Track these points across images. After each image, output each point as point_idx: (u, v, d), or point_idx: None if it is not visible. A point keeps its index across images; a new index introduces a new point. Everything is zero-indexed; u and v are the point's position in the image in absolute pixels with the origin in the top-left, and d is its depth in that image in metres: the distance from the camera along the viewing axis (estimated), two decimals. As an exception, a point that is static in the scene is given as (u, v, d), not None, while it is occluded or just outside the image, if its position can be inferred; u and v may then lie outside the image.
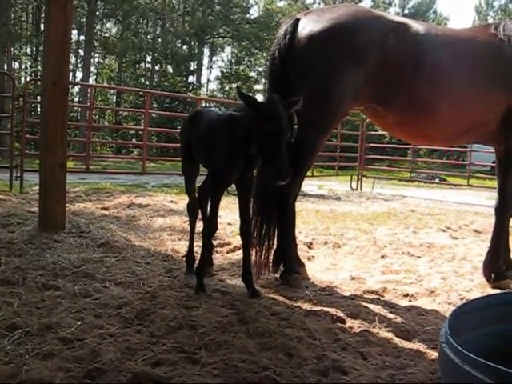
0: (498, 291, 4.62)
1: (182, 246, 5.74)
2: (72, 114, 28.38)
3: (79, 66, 38.48)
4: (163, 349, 3.10)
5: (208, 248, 4.64)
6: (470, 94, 4.84)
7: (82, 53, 37.29)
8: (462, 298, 4.42)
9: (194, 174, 4.93)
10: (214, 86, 48.29)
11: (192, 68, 42.14)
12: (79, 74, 37.61)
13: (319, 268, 5.41)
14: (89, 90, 20.96)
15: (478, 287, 4.90)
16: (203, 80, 45.86)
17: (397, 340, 3.53)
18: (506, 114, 4.91)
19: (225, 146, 4.08)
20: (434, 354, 3.23)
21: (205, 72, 47.43)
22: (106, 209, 8.21)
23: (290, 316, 3.80)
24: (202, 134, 4.43)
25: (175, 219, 7.47)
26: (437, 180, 19.61)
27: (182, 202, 9.33)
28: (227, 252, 5.79)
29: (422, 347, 3.42)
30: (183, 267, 4.84)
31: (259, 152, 3.82)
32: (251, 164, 4.16)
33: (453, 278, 5.13)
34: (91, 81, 36.87)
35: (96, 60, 41.53)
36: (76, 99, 33.56)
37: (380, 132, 18.62)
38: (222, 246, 5.98)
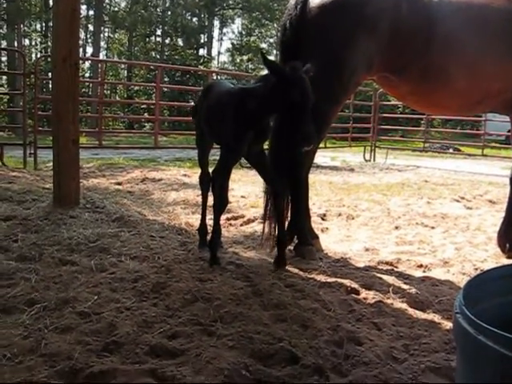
0: (512, 261, 4.61)
1: (196, 220, 5.76)
2: (83, 90, 28.33)
3: (89, 41, 38.30)
4: (179, 321, 3.14)
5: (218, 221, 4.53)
6: (484, 62, 4.76)
7: (91, 28, 37.14)
8: (476, 269, 4.42)
9: (208, 147, 4.87)
10: (224, 58, 48.01)
11: (202, 41, 41.79)
12: (89, 50, 37.48)
13: (333, 240, 5.42)
14: (99, 65, 20.91)
15: (492, 257, 4.89)
16: (214, 52, 45.61)
17: (411, 311, 3.54)
18: (521, 81, 4.84)
19: (234, 120, 4.03)
20: (448, 325, 3.24)
21: (215, 44, 47.38)
22: (119, 184, 8.26)
23: (304, 288, 3.82)
24: (212, 108, 4.38)
25: (188, 193, 7.50)
26: (451, 150, 19.46)
27: (195, 175, 9.29)
28: (241, 225, 5.81)
29: (436, 318, 3.43)
30: (197, 241, 4.86)
31: (284, 119, 3.86)
32: (261, 137, 4.19)
33: (467, 249, 5.12)
34: (102, 56, 36.73)
35: (106, 35, 41.35)
36: (87, 75, 33.48)
37: (393, 102, 18.46)
38: (235, 218, 6.00)
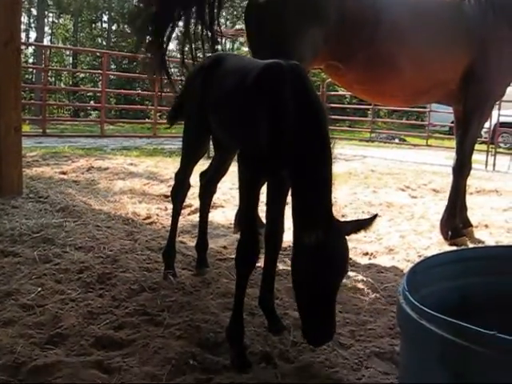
0: (454, 248, 4.74)
1: (143, 209, 5.70)
2: (26, 76, 27.51)
3: (33, 25, 37.23)
4: (125, 312, 3.10)
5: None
6: (430, 53, 4.86)
7: (35, 12, 36.04)
8: (420, 256, 4.52)
9: (203, 149, 3.78)
10: (172, 46, 47.47)
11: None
12: (33, 35, 36.44)
13: (281, 229, 5.42)
14: (43, 51, 20.30)
15: (435, 245, 5.01)
16: (162, 40, 44.94)
17: (357, 297, 3.60)
18: (465, 73, 4.96)
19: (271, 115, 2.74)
20: (392, 310, 3.31)
21: (163, 32, 46.51)
22: (64, 173, 8.05)
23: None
24: (229, 90, 3.08)
25: (135, 182, 7.40)
26: (396, 140, 19.80)
27: (142, 164, 9.25)
28: (188, 214, 5.76)
29: (381, 304, 3.50)
30: (144, 230, 4.80)
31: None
32: None
33: (411, 236, 5.24)
34: (46, 41, 35.71)
35: (50, 20, 40.20)
36: (30, 60, 32.55)
37: (340, 92, 18.68)
38: (183, 208, 5.93)
